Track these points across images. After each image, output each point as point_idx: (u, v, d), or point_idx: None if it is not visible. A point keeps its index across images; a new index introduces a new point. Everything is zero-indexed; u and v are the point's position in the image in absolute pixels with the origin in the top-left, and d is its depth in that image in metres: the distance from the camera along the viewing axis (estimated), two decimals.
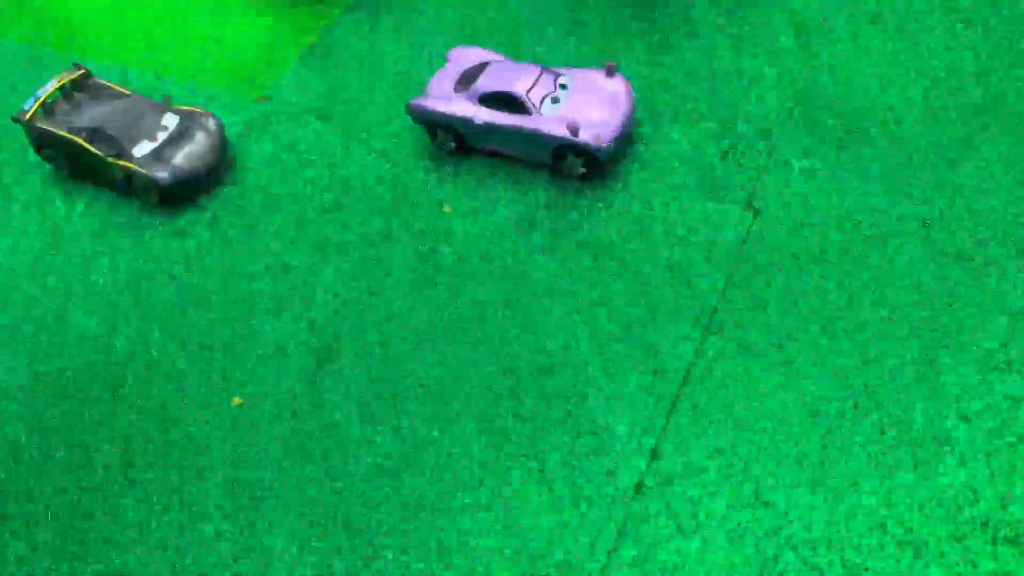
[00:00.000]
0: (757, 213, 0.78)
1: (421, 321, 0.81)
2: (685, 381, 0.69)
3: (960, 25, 0.88)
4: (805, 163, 0.79)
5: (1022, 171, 0.78)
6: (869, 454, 0.68)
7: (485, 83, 1.09)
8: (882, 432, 0.68)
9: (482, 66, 1.13)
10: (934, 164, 0.79)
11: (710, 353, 0.74)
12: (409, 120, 1.19)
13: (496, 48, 1.09)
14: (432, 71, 1.12)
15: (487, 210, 0.85)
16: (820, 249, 0.78)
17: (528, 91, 1.04)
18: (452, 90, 1.12)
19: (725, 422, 0.70)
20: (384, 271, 0.86)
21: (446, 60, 1.14)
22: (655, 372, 0.72)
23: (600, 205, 0.85)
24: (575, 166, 1.06)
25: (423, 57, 1.03)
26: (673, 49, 0.91)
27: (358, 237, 0.85)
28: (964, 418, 0.72)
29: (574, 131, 0.99)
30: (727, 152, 0.82)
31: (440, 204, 0.86)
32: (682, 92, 0.88)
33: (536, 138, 1.08)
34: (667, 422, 0.70)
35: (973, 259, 0.75)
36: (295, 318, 0.90)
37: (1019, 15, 0.85)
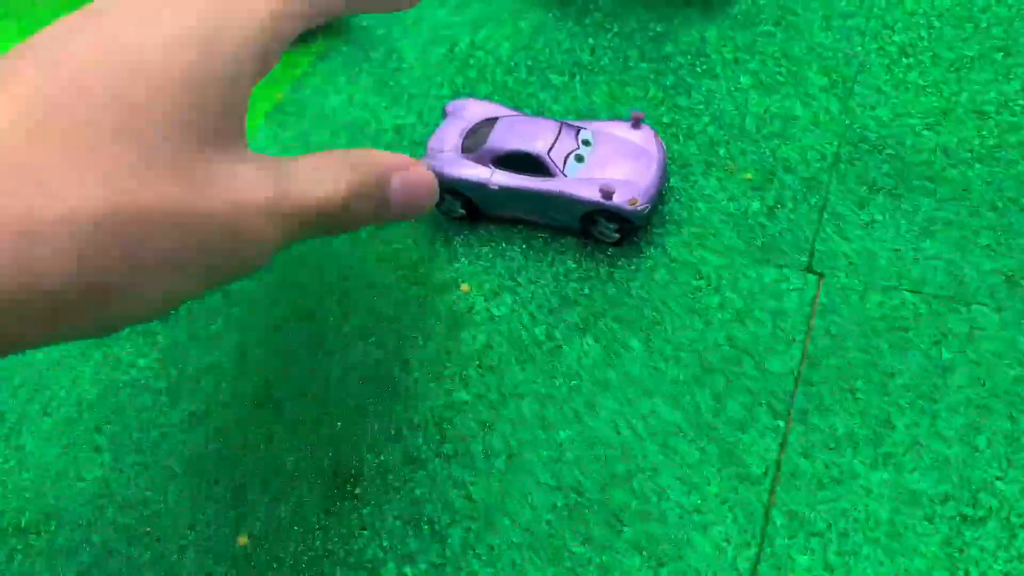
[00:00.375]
0: (821, 277, 0.69)
1: (450, 425, 0.65)
2: (774, 484, 0.59)
3: (999, 54, 0.83)
4: (863, 216, 0.71)
5: None
6: (1005, 562, 0.59)
7: (498, 143, 0.95)
8: (1012, 535, 0.60)
9: (490, 122, 0.99)
10: (1002, 210, 0.73)
11: (797, 448, 0.64)
12: None
13: (494, 98, 0.96)
14: (425, 126, 0.93)
15: (510, 287, 0.74)
16: (898, 315, 0.70)
17: (549, 150, 0.92)
18: (458, 150, 0.98)
19: (829, 532, 0.60)
20: (400, 367, 0.72)
21: (444, 115, 1.00)
22: (739, 476, 0.61)
23: (639, 275, 0.70)
24: (608, 231, 0.94)
25: (412, 111, 0.89)
26: (692, 90, 0.81)
27: (365, 328, 0.67)
28: None
29: (608, 195, 0.88)
30: (774, 207, 0.73)
31: (456, 283, 0.74)
32: (710, 138, 0.78)
33: (562, 203, 0.96)
34: (762, 537, 0.59)
35: None
36: (302, 435, 0.71)
37: None
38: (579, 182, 0.52)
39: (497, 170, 0.48)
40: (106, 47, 0.26)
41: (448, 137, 0.52)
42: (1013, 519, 0.38)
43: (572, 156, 0.48)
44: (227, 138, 0.28)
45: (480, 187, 0.48)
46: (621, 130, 0.50)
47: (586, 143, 0.49)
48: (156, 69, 0.26)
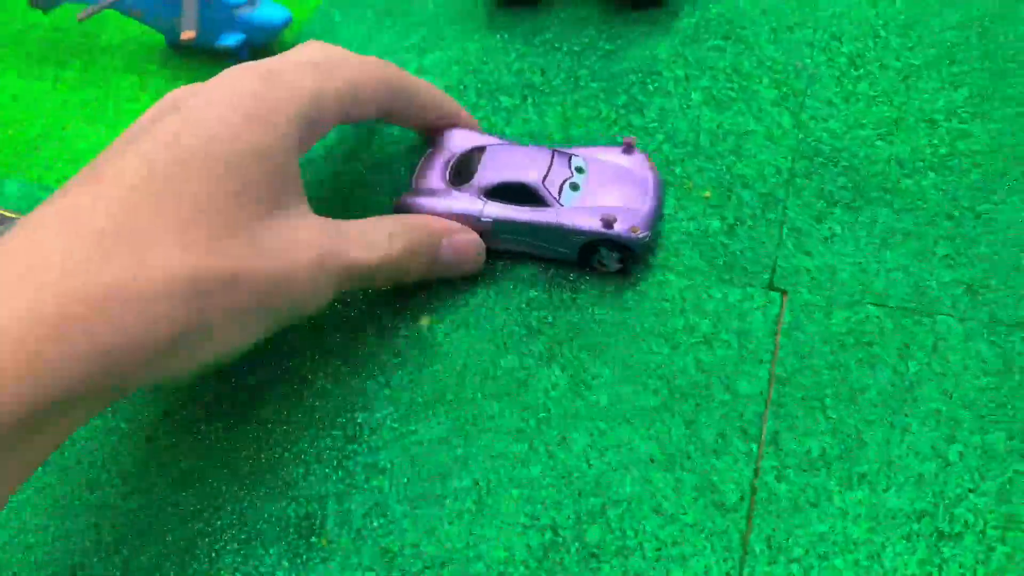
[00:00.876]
0: (785, 294, 0.68)
1: (418, 466, 0.60)
2: (751, 511, 0.57)
3: (945, 61, 0.82)
4: (822, 230, 0.70)
5: None
6: None
7: (489, 173, 0.49)
8: (989, 549, 0.59)
9: (477, 151, 0.51)
10: (958, 219, 0.72)
11: (771, 472, 0.62)
12: None
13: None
14: (404, 156, 0.83)
15: (472, 319, 0.71)
16: (863, 330, 0.69)
17: (543, 179, 0.47)
18: (445, 181, 0.49)
19: (808, 557, 0.58)
20: (362, 408, 0.68)
21: (428, 145, 0.52)
22: (715, 504, 0.58)
23: (603, 300, 0.66)
24: (610, 261, 0.51)
25: (372, 145, 0.84)
26: (644, 109, 0.79)
27: (324, 369, 0.61)
28: None
29: (609, 223, 0.47)
30: (734, 225, 0.71)
31: (416, 317, 0.71)
32: (666, 157, 0.76)
33: (561, 234, 0.49)
34: (741, 566, 0.57)
35: None
36: (264, 484, 0.62)
37: (1002, 46, 0.79)
38: (577, 211, 0.50)
39: (489, 202, 0.50)
40: (187, 137, 0.32)
41: (433, 169, 0.53)
42: (989, 532, 0.37)
43: (567, 184, 0.46)
44: (285, 202, 0.34)
45: (471, 221, 0.46)
46: (612, 155, 0.49)
47: (579, 170, 0.47)
48: (226, 151, 0.32)
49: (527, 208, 0.49)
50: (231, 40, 0.60)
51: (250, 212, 0.32)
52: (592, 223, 0.49)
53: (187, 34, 0.56)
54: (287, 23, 0.61)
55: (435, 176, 0.52)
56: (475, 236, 0.46)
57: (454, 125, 0.52)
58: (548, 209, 0.49)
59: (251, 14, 0.60)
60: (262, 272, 0.32)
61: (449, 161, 0.52)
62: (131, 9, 0.61)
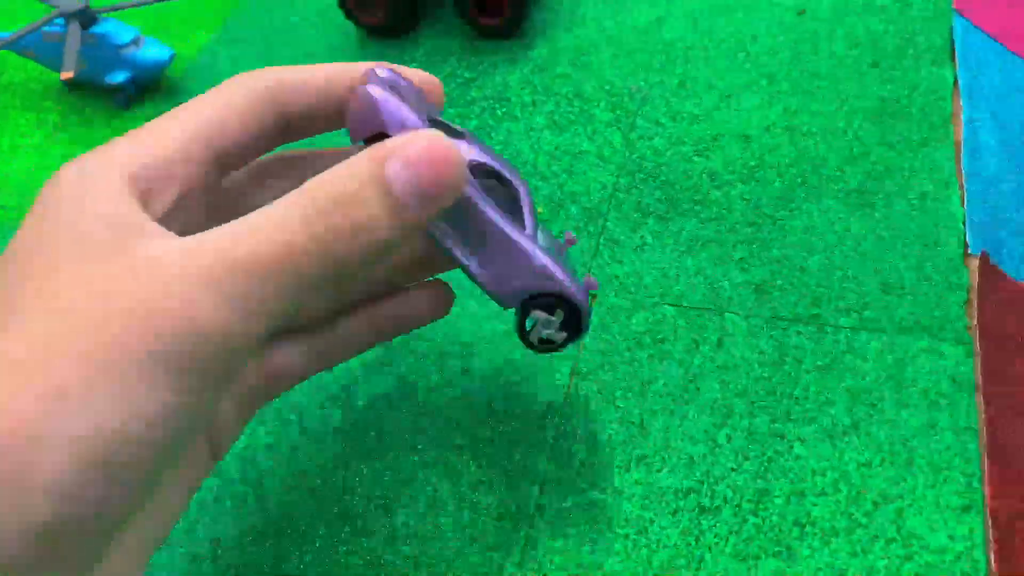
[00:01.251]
0: (594, 298, 0.72)
1: (250, 466, 0.63)
2: (542, 492, 0.61)
3: (765, 80, 0.87)
4: (635, 240, 0.74)
5: (842, 225, 0.73)
6: (733, 546, 0.63)
7: (477, 150, 0.35)
8: (742, 521, 0.63)
9: (437, 122, 0.33)
10: (758, 225, 0.76)
11: (563, 458, 0.66)
12: None
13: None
14: None
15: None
16: (659, 329, 0.73)
17: (522, 196, 0.35)
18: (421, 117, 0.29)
19: (586, 534, 0.62)
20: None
21: (368, 81, 0.30)
22: (509, 486, 0.61)
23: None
24: (551, 327, 0.40)
25: None
26: (493, 132, 0.83)
27: None
28: (822, 493, 0.67)
29: (592, 286, 0.40)
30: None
31: None
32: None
33: (518, 269, 0.33)
34: (525, 542, 0.61)
35: (808, 321, 0.71)
36: None
37: (811, 65, 0.84)
38: (547, 257, 0.34)
39: (471, 178, 0.31)
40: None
41: (406, 106, 0.30)
42: (744, 506, 0.43)
43: (540, 220, 0.37)
44: (121, 248, 0.26)
45: None
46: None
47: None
48: (33, 238, 0.28)
49: (503, 215, 0.32)
50: (119, 77, 0.67)
51: (28, 278, 0.27)
52: (567, 279, 0.35)
53: (65, 74, 0.62)
54: (170, 61, 0.68)
55: (412, 114, 0.29)
56: (436, 138, 0.25)
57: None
58: (521, 232, 0.33)
59: (135, 53, 0.67)
60: (104, 319, 0.24)
61: (423, 113, 0.31)
62: (24, 50, 0.68)
